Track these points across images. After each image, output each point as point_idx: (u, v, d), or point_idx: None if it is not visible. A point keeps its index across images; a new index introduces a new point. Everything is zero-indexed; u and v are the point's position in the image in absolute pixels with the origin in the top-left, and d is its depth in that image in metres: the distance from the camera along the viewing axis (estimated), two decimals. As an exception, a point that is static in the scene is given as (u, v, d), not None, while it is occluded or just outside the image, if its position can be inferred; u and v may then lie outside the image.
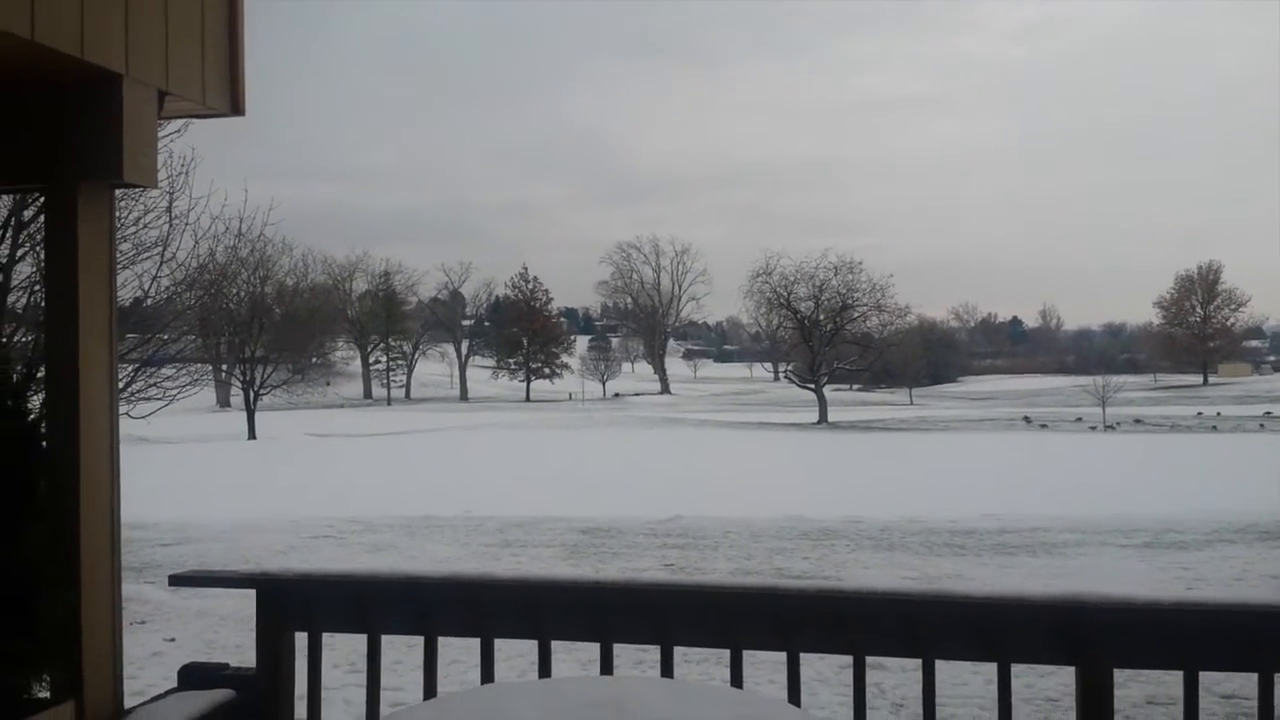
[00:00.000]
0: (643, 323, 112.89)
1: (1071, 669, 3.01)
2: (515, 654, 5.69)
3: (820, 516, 15.88)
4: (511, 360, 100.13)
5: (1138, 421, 50.38)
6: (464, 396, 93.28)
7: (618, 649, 3.32)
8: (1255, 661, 2.90)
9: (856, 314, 59.50)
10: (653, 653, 3.30)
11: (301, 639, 3.44)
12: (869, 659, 3.18)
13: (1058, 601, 3.03)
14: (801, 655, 3.19)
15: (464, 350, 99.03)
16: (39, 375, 3.16)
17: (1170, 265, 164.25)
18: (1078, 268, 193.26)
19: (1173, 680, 3.01)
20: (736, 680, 3.17)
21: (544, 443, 38.44)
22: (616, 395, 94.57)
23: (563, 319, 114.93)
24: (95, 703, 3.07)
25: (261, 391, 49.60)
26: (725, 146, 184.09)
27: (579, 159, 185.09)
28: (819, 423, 52.85)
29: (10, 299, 9.16)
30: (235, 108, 3.44)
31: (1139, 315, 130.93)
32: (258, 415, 48.13)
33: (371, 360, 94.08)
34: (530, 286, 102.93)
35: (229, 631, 8.32)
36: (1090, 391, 55.38)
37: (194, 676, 3.47)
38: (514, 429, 47.62)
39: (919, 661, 3.12)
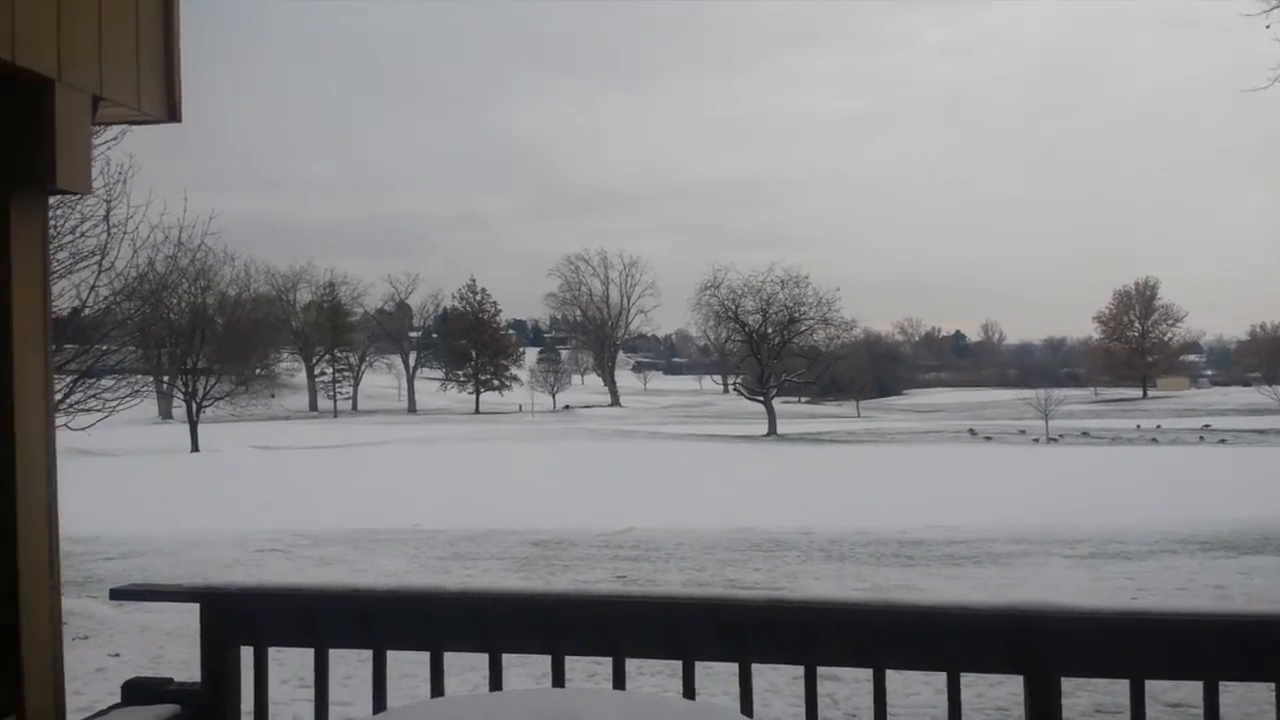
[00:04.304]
0: (592, 335, 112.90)
1: (1020, 678, 3.04)
2: (466, 667, 5.64)
3: (771, 528, 15.94)
4: (460, 372, 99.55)
5: (1085, 434, 51.19)
6: (412, 408, 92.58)
7: (570, 662, 3.29)
8: (1200, 669, 2.94)
9: (804, 327, 59.98)
10: (605, 665, 3.27)
11: (248, 653, 3.38)
12: (821, 669, 3.18)
13: (1005, 611, 3.06)
14: (754, 666, 3.18)
15: (412, 362, 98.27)
16: (-28, 386, 3.07)
17: (1109, 281, 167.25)
18: (1019, 283, 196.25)
19: (1120, 689, 3.04)
20: (689, 692, 3.15)
21: (494, 455, 38.26)
22: (566, 407, 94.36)
23: (511, 331, 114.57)
24: (37, 718, 3.00)
25: (204, 403, 48.78)
26: (670, 162, 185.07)
27: (525, 173, 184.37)
28: (768, 435, 53.16)
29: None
30: (172, 114, 3.39)
31: (1079, 330, 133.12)
32: (201, 427, 47.35)
33: (317, 372, 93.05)
34: (478, 298, 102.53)
35: (174, 647, 8.16)
36: (1033, 404, 56.24)
37: (138, 692, 3.40)
38: (463, 441, 47.34)
39: (870, 671, 3.13)
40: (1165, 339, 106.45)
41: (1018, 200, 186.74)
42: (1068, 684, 3.00)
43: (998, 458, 37.30)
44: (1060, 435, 49.55)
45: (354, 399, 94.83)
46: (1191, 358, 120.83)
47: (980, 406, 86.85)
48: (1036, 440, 48.17)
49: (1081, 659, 3.06)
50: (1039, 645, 2.99)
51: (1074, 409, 72.42)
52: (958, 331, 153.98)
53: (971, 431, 54.27)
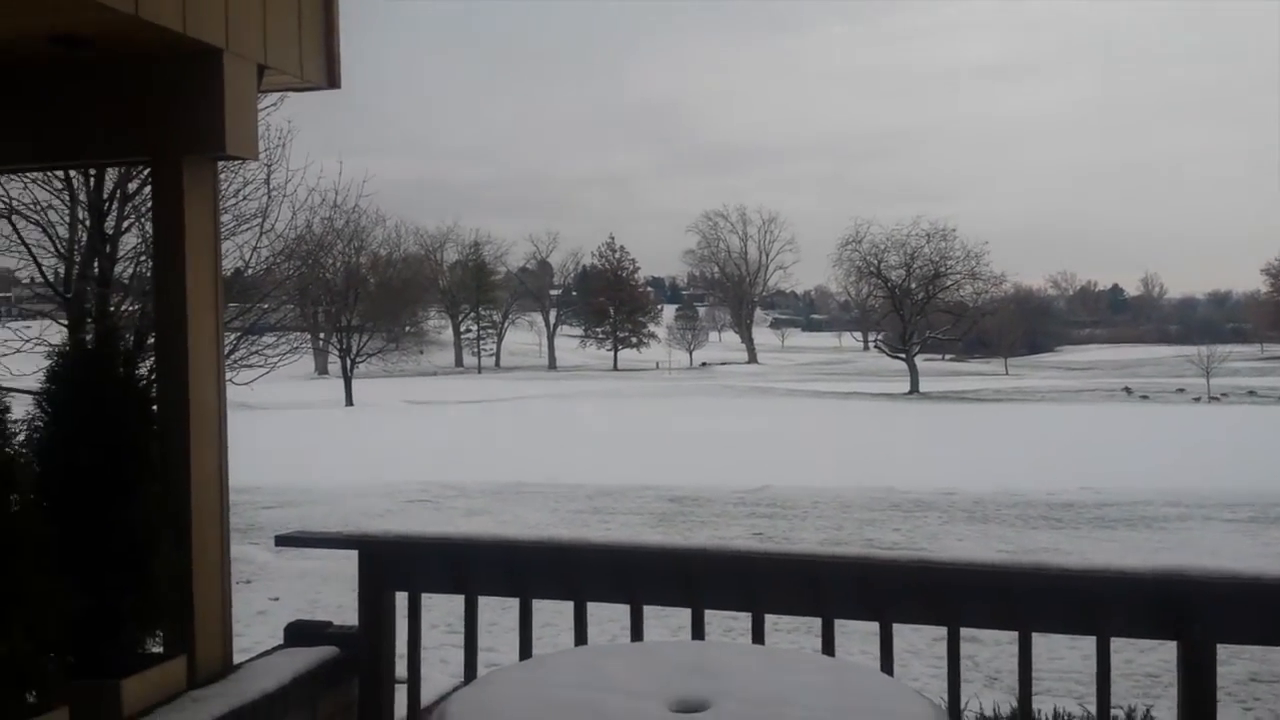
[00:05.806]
0: (729, 292, 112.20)
1: (1173, 644, 2.94)
2: (606, 618, 5.76)
3: (912, 488, 15.70)
4: (599, 329, 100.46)
5: (1250, 392, 48.57)
6: (552, 365, 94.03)
7: (708, 615, 3.33)
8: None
9: (950, 282, 58.27)
10: (743, 620, 3.29)
11: (402, 599, 3.53)
12: (963, 631, 3.14)
13: (1159, 575, 2.96)
14: (894, 626, 3.17)
15: (552, 319, 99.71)
16: (148, 343, 3.27)
17: (1278, 230, 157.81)
18: (1181, 234, 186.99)
19: (1278, 657, 2.91)
20: (828, 649, 3.16)
21: (632, 411, 38.59)
22: (703, 364, 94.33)
23: (649, 288, 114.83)
24: (206, 657, 3.20)
25: (358, 359, 50.60)
26: (810, 115, 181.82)
27: (664, 130, 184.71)
28: (910, 393, 52.09)
29: (117, 269, 9.48)
30: (332, 81, 3.51)
31: (1246, 283, 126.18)
32: (354, 382, 49.15)
33: (462, 329, 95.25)
34: (617, 256, 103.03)
35: (330, 591, 8.56)
36: (1194, 362, 53.68)
37: (299, 634, 3.59)
38: (602, 397, 47.88)
39: (1014, 635, 3.08)
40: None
41: (1179, 147, 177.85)
42: (1221, 651, 2.89)
43: (1154, 417, 35.74)
44: (1223, 394, 47.16)
45: (497, 355, 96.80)
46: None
47: (1138, 364, 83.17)
48: (1197, 399, 45.98)
49: (1239, 625, 2.95)
50: (1195, 611, 2.89)
51: (1238, 366, 68.68)
52: (1115, 285, 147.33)
53: (1127, 390, 52.07)
